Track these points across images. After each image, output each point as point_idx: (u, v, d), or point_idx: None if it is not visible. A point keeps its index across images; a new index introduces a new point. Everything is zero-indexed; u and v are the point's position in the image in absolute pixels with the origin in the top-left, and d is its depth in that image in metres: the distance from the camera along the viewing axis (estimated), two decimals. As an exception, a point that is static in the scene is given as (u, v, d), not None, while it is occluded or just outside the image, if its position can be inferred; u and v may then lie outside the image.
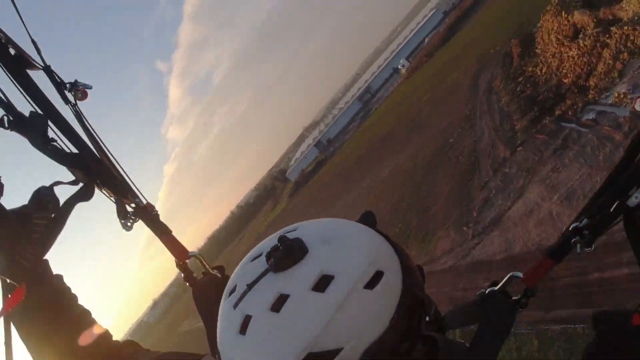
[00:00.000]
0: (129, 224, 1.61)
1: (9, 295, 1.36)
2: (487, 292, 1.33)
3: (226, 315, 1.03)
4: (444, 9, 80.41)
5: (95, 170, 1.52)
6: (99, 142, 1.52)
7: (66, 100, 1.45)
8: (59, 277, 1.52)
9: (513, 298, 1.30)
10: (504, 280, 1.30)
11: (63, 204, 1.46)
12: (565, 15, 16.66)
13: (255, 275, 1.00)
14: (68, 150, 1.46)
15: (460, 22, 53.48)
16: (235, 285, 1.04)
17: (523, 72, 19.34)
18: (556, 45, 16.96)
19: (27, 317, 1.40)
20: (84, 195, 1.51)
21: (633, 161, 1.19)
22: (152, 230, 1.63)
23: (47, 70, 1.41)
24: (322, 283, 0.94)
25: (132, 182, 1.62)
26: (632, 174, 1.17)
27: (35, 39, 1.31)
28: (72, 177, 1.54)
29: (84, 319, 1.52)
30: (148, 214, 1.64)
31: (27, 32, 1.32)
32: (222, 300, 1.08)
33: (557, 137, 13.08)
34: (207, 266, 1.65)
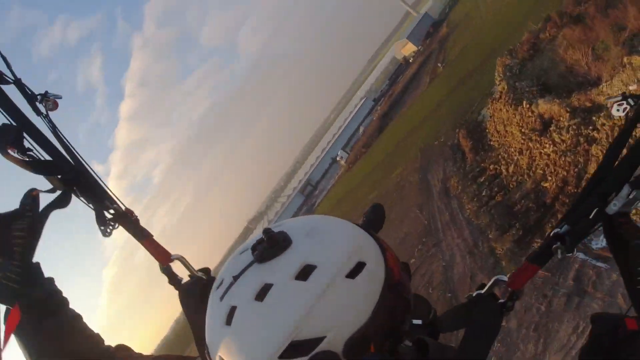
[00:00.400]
0: (108, 230, 1.60)
1: (6, 319, 1.38)
2: (474, 295, 1.37)
3: (213, 309, 1.07)
4: (374, 97, 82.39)
5: (72, 177, 1.53)
6: (73, 150, 1.54)
7: (38, 112, 1.46)
8: (51, 281, 1.53)
9: (500, 301, 1.33)
10: (490, 283, 1.34)
11: (40, 212, 1.46)
12: (528, 106, 13.96)
13: (241, 268, 1.05)
14: (43, 159, 1.48)
15: (393, 110, 53.24)
16: (223, 279, 1.09)
17: (482, 170, 16.41)
18: (522, 140, 14.09)
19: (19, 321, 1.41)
20: (61, 202, 1.50)
21: (612, 168, 1.24)
22: (132, 235, 1.62)
23: (18, 83, 1.44)
24: (305, 272, 0.98)
25: (109, 189, 1.62)
26: (611, 181, 1.21)
27: (4, 55, 1.38)
28: (49, 186, 1.54)
29: (76, 323, 1.55)
30: (128, 220, 1.63)
31: None
32: (210, 295, 1.12)
33: (565, 274, 9.43)
34: (192, 269, 1.62)
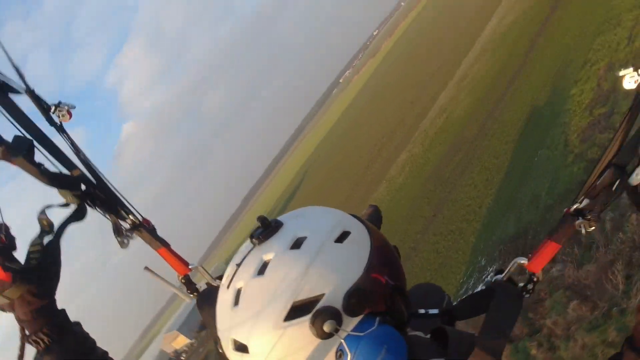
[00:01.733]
0: (125, 241, 1.60)
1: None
2: (492, 280, 1.39)
3: (221, 298, 1.17)
4: None
5: (87, 189, 1.51)
6: (87, 161, 1.51)
7: (52, 122, 1.44)
8: (78, 325, 1.53)
9: (519, 285, 1.35)
10: (509, 267, 1.35)
11: (57, 230, 1.44)
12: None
13: (241, 259, 1.17)
14: (57, 171, 1.45)
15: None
16: (227, 274, 1.20)
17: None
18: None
19: None
20: (77, 216, 1.49)
21: (624, 141, 1.24)
22: (150, 245, 1.63)
23: (31, 93, 1.41)
24: (297, 243, 1.12)
25: (125, 199, 1.60)
26: (628, 152, 1.21)
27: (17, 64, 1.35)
28: (62, 200, 1.52)
29: None
30: (145, 230, 1.63)
31: (8, 57, 1.33)
32: (223, 287, 1.20)
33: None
34: (210, 276, 1.65)
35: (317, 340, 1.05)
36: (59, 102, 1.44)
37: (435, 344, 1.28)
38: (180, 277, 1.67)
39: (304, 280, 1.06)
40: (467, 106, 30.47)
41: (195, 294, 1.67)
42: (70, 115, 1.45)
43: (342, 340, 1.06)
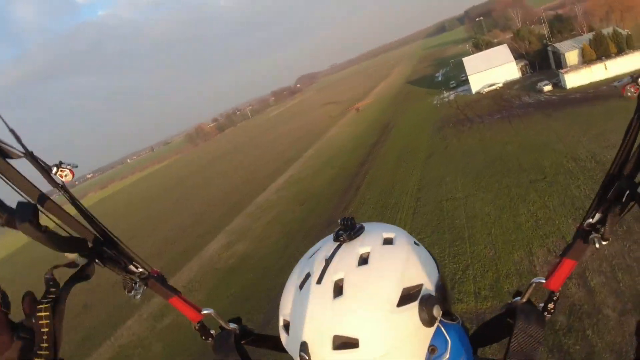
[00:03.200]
0: (137, 296, 1.56)
1: None
2: (512, 303, 1.38)
3: (312, 295, 1.13)
4: None
5: (95, 247, 1.46)
6: (94, 218, 1.47)
7: (54, 184, 1.39)
8: None
9: (540, 305, 1.35)
10: (528, 289, 1.34)
11: (62, 288, 1.35)
12: None
13: (329, 254, 1.18)
14: (64, 235, 1.39)
15: None
16: (307, 273, 1.18)
17: None
18: None
19: None
20: (84, 275, 1.41)
21: (630, 152, 1.23)
22: (160, 295, 1.60)
23: (30, 156, 1.35)
24: (388, 240, 1.19)
25: (134, 253, 1.56)
26: (635, 163, 1.20)
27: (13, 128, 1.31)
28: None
29: None
30: (155, 280, 1.58)
31: (4, 121, 1.28)
32: (293, 293, 1.19)
33: None
34: (223, 322, 1.63)
35: (421, 327, 1.08)
36: (60, 162, 1.41)
37: None
38: (193, 324, 1.62)
39: (406, 270, 1.11)
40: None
41: (210, 339, 1.62)
42: (73, 175, 1.40)
43: (442, 327, 1.15)
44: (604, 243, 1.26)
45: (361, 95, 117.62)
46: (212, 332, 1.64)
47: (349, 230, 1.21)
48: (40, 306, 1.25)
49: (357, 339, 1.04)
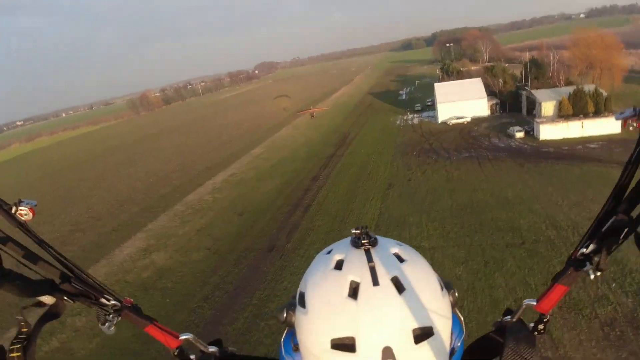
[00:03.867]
0: (111, 329, 1.54)
1: None
2: (502, 322, 1.42)
3: (375, 297, 1.13)
4: None
5: (63, 286, 1.43)
6: (60, 255, 1.43)
7: (15, 223, 1.36)
8: None
9: (530, 325, 1.40)
10: (520, 309, 1.38)
11: (33, 329, 1.35)
12: None
13: (363, 259, 1.22)
14: (28, 279, 1.37)
15: None
16: (353, 281, 1.17)
17: None
18: None
19: None
20: (54, 314, 1.41)
21: (628, 186, 1.26)
22: (137, 324, 1.57)
23: None
24: (399, 243, 1.28)
25: (104, 286, 1.53)
26: (634, 197, 1.22)
27: None
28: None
29: None
30: (129, 311, 1.55)
31: None
32: (343, 306, 1.15)
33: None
34: (203, 345, 1.62)
35: (449, 310, 1.19)
36: (20, 201, 1.36)
37: None
38: (172, 351, 1.58)
39: (428, 263, 1.26)
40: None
41: None
42: (33, 213, 1.36)
43: (457, 310, 1.26)
44: (598, 274, 1.29)
45: (320, 96, 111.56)
46: (192, 357, 1.61)
47: (369, 237, 1.26)
48: (12, 347, 1.25)
49: (431, 327, 1.10)
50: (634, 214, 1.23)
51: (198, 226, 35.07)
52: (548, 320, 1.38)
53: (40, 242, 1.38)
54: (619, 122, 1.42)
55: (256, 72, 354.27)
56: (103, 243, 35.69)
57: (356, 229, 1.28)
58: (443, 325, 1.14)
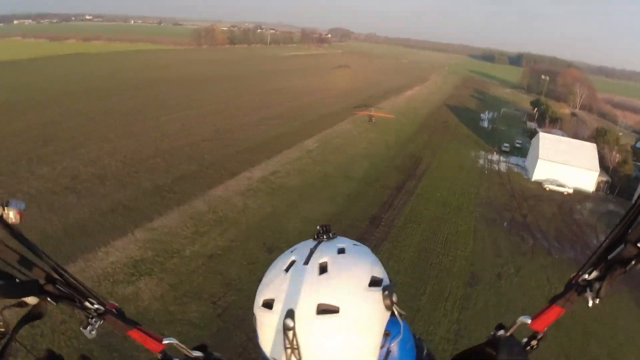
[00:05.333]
0: (93, 333, 1.53)
1: None
2: (496, 335, 1.43)
3: (300, 273, 1.37)
4: None
5: (47, 288, 1.43)
6: (46, 256, 1.44)
7: (1, 224, 1.36)
8: None
9: (523, 341, 1.41)
10: (513, 325, 1.41)
11: (13, 329, 1.35)
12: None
13: (312, 247, 1.45)
14: (12, 280, 1.36)
15: None
16: (293, 260, 1.43)
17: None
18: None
19: None
20: (35, 315, 1.40)
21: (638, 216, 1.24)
22: (119, 329, 1.58)
23: None
24: (356, 244, 1.49)
25: (88, 288, 1.55)
26: None
27: None
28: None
29: None
30: (112, 315, 1.56)
31: None
32: (278, 276, 1.41)
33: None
34: (187, 350, 1.62)
35: (383, 310, 1.33)
36: (7, 202, 1.35)
37: None
38: (156, 355, 1.60)
39: (373, 264, 1.40)
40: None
41: None
42: (21, 216, 1.36)
43: (397, 312, 1.36)
44: (597, 301, 1.29)
45: (388, 88, 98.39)
46: None
47: (327, 233, 1.49)
48: None
49: (338, 307, 1.28)
50: None
51: (211, 248, 26.23)
52: (542, 337, 1.38)
53: (27, 243, 1.37)
54: None
55: (329, 35, 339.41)
56: (88, 233, 27.35)
57: (320, 226, 1.51)
58: (355, 312, 1.28)
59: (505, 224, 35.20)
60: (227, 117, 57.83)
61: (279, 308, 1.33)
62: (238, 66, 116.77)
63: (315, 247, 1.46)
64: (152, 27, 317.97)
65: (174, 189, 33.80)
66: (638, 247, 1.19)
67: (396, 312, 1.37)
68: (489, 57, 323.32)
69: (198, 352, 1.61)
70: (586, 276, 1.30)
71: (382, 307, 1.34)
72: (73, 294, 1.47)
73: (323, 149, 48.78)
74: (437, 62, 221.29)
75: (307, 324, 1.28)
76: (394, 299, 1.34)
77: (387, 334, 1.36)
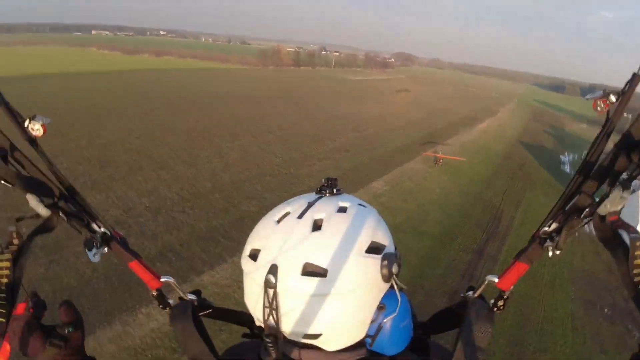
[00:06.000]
0: (97, 257, 1.58)
1: None
2: (464, 296, 1.53)
3: (291, 227, 1.30)
4: None
5: (59, 200, 1.49)
6: (59, 173, 1.52)
7: (26, 136, 1.44)
8: None
9: (490, 301, 1.47)
10: (481, 286, 1.48)
11: (25, 240, 1.36)
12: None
13: (311, 201, 1.38)
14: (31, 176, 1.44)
15: None
16: (287, 212, 1.36)
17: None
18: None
19: None
20: (46, 228, 1.45)
21: (594, 164, 1.30)
22: (120, 258, 1.61)
23: (6, 106, 1.41)
24: (363, 205, 1.42)
25: (96, 212, 1.61)
26: (597, 179, 1.27)
27: None
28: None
29: None
30: (116, 242, 1.61)
31: None
32: (269, 226, 1.36)
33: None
34: (182, 292, 1.65)
35: (379, 280, 1.26)
36: (34, 116, 1.43)
37: (415, 355, 1.40)
38: (152, 291, 1.62)
39: (376, 228, 1.32)
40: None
41: (168, 308, 1.62)
42: (45, 130, 1.43)
43: (395, 285, 1.29)
44: (557, 252, 1.36)
45: (457, 120, 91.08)
46: (170, 301, 1.64)
47: (331, 188, 1.43)
48: (2, 257, 1.24)
49: (326, 270, 1.19)
50: (599, 194, 1.25)
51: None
52: (508, 297, 1.44)
53: (45, 158, 1.45)
54: None
55: (392, 60, 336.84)
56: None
57: (325, 178, 1.46)
58: (344, 277, 1.19)
59: (606, 309, 29.03)
60: (292, 147, 54.53)
61: (263, 261, 1.25)
62: (303, 89, 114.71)
63: (315, 201, 1.36)
64: (221, 45, 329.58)
65: (230, 234, 30.45)
66: (592, 196, 1.26)
67: (395, 286, 1.28)
68: (558, 86, 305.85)
69: (192, 295, 1.63)
70: (546, 228, 1.37)
71: (379, 277, 1.24)
72: (83, 214, 1.52)
73: (392, 194, 43.51)
74: (504, 91, 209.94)
75: (290, 283, 1.19)
76: (394, 269, 1.26)
77: (381, 307, 1.27)
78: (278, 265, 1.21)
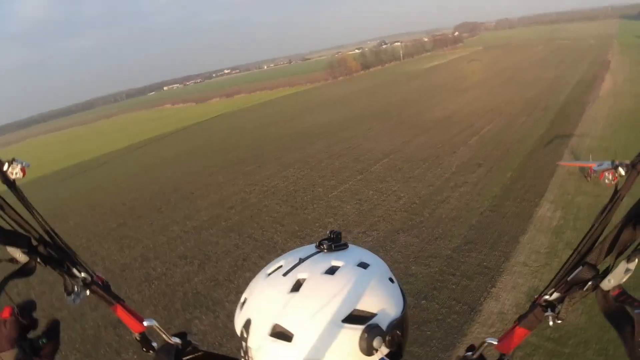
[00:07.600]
0: (77, 301, 1.54)
1: None
2: (463, 357, 1.44)
3: (274, 283, 1.25)
4: None
5: (38, 246, 1.46)
6: (40, 218, 1.48)
7: (5, 180, 1.42)
8: None
9: None
10: (480, 347, 1.41)
11: (1, 282, 1.35)
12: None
13: (307, 255, 1.30)
14: (7, 228, 1.42)
15: None
16: (280, 266, 1.31)
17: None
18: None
19: None
20: (24, 272, 1.41)
21: (599, 235, 1.26)
22: (104, 301, 1.59)
23: None
24: (363, 265, 1.30)
25: (77, 256, 1.56)
26: (601, 252, 1.22)
27: None
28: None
29: None
30: (98, 287, 1.56)
31: None
32: (261, 277, 1.32)
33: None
34: (166, 334, 1.60)
35: (357, 353, 1.15)
36: (13, 159, 1.41)
37: None
38: (135, 335, 1.59)
39: (367, 295, 1.20)
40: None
41: (152, 352, 1.59)
42: (24, 173, 1.43)
43: None
44: (558, 322, 1.30)
45: (573, 90, 65.51)
46: (154, 344, 1.59)
47: (331, 242, 1.34)
48: None
49: (292, 334, 1.14)
50: (603, 267, 1.19)
51: None
52: (509, 359, 1.37)
53: (25, 202, 1.42)
54: None
55: (456, 33, 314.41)
56: None
57: (329, 231, 1.38)
58: (310, 345, 1.11)
59: None
60: (404, 177, 36.85)
61: (245, 312, 1.24)
62: (385, 93, 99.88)
63: (307, 257, 1.29)
64: (284, 67, 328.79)
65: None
66: (595, 268, 1.20)
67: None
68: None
69: (177, 338, 1.55)
70: (547, 297, 1.31)
71: (356, 349, 1.15)
72: (62, 260, 1.47)
73: (569, 224, 22.96)
74: (595, 34, 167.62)
75: (258, 342, 1.17)
76: (376, 344, 1.15)
77: None
78: (252, 320, 1.20)
